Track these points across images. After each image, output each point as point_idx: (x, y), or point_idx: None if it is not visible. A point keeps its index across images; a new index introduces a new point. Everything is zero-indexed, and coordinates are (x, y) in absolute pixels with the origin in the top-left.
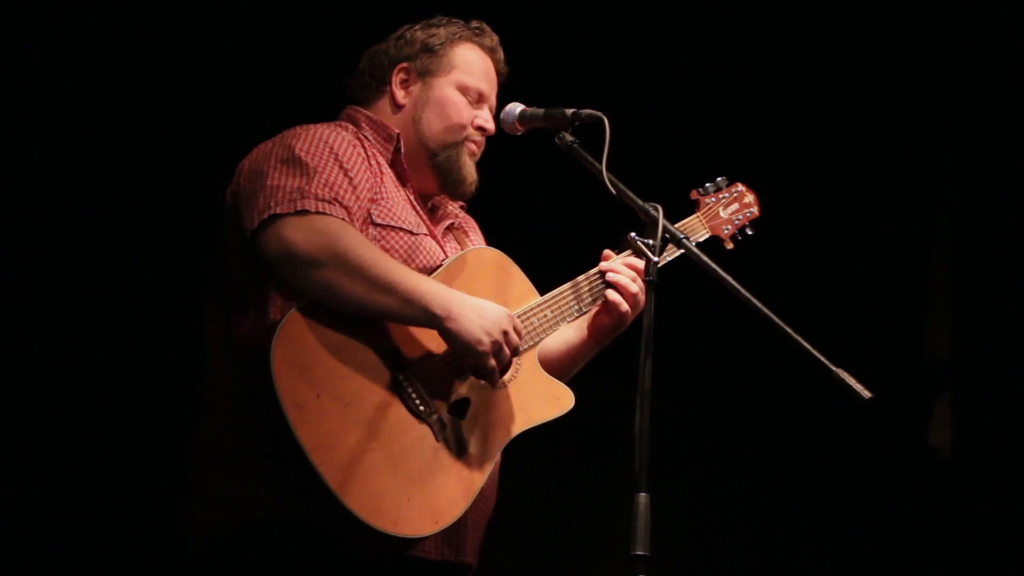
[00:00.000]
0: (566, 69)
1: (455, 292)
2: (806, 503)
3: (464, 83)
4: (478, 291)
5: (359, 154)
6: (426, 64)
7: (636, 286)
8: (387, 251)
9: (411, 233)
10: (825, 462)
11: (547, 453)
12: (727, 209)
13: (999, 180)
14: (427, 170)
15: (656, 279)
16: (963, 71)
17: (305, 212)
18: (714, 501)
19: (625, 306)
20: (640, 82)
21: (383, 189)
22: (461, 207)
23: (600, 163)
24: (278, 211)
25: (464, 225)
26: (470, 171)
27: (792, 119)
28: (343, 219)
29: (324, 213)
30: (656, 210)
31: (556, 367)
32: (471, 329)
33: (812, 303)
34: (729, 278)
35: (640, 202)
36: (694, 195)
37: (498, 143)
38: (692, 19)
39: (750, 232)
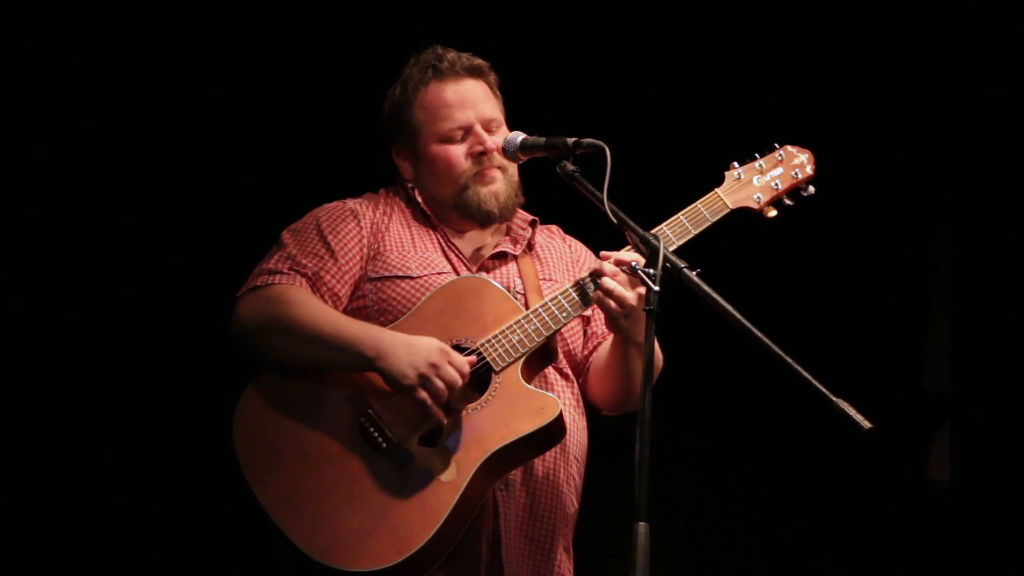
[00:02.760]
0: (564, 89)
1: (388, 332)
2: (805, 533)
3: (439, 131)
4: (450, 322)
5: (352, 220)
6: (405, 137)
7: (620, 277)
8: (383, 301)
9: (410, 278)
10: (825, 492)
11: None
12: (764, 176)
13: (999, 212)
14: (460, 218)
15: (657, 308)
16: (964, 93)
17: (255, 288)
18: (713, 530)
19: (607, 300)
20: (636, 99)
21: (384, 244)
22: (532, 222)
23: (602, 192)
24: (238, 294)
25: (540, 250)
26: (493, 197)
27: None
28: (290, 284)
29: (270, 284)
30: (656, 239)
31: (612, 375)
32: (398, 366)
33: (812, 333)
34: (730, 307)
35: (641, 231)
36: (728, 170)
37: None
38: (689, 26)
39: (807, 193)
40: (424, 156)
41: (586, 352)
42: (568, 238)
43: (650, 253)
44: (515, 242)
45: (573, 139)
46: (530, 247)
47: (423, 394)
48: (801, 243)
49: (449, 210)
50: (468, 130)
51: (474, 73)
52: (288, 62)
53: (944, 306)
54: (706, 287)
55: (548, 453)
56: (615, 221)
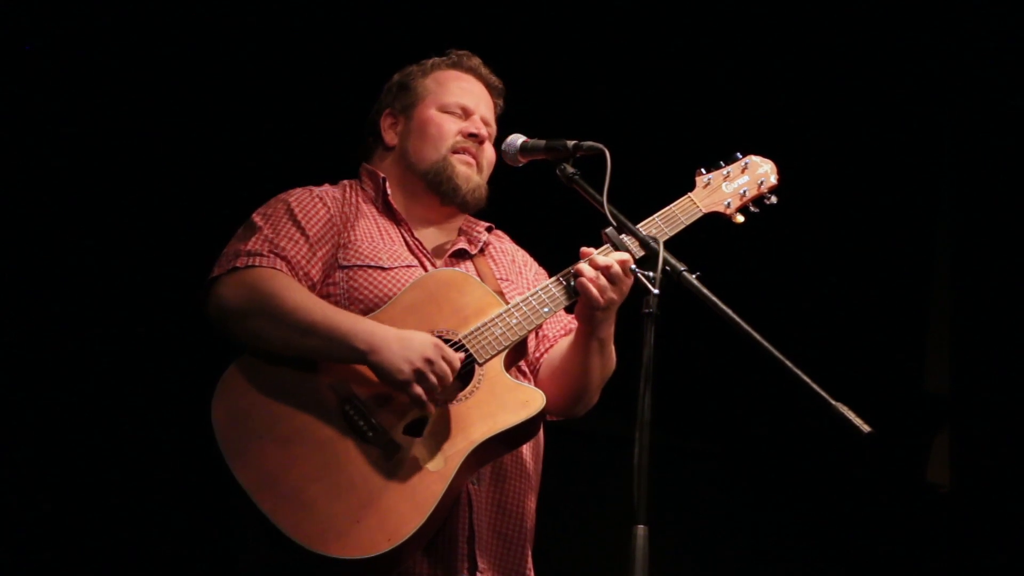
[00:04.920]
0: (562, 88)
1: (380, 326)
2: (804, 536)
3: (443, 102)
4: (431, 314)
5: (321, 207)
6: (405, 100)
7: (601, 280)
8: (353, 289)
9: (381, 269)
10: (824, 495)
11: (545, 484)
12: (733, 183)
13: (999, 216)
14: (426, 193)
15: (656, 311)
16: (965, 92)
17: (235, 269)
18: (712, 534)
19: (595, 292)
20: (635, 111)
21: (354, 233)
22: (489, 228)
23: (601, 195)
24: (214, 274)
25: (493, 251)
26: (465, 178)
27: (792, 148)
28: (274, 268)
29: (253, 266)
30: (656, 242)
31: (568, 373)
32: (392, 360)
33: (813, 337)
34: (729, 310)
35: (642, 234)
36: (697, 175)
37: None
38: (688, 32)
39: (769, 203)
40: (418, 119)
41: (537, 355)
42: (514, 243)
43: (650, 256)
44: (471, 242)
45: (573, 142)
46: (483, 249)
47: (418, 389)
48: (801, 246)
49: (417, 188)
50: (468, 114)
51: (490, 86)
52: (251, 52)
53: (944, 309)
54: (705, 290)
55: (518, 450)
56: (615, 224)
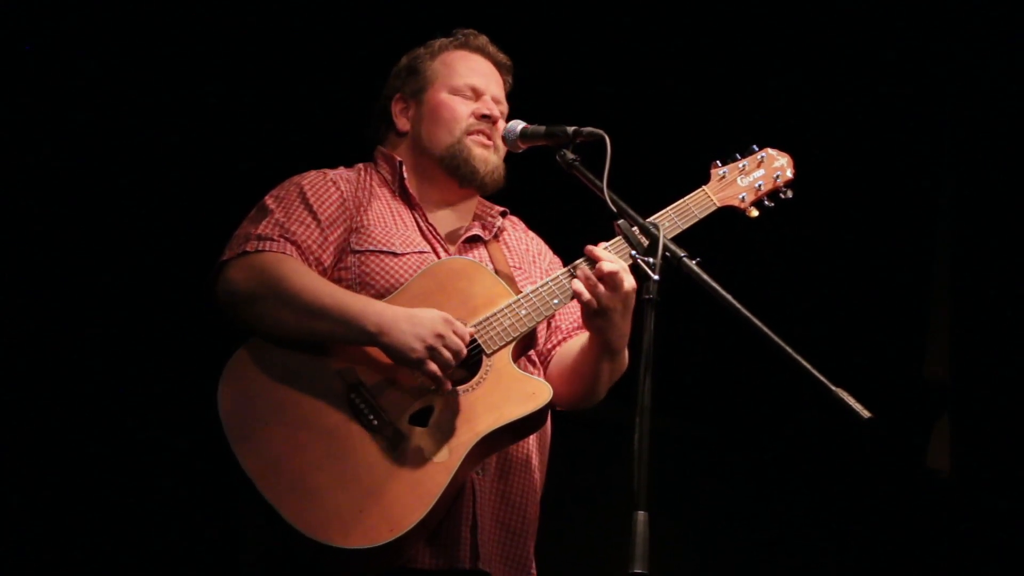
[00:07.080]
0: (563, 75)
1: (388, 307)
2: (804, 522)
3: (453, 84)
4: (440, 303)
5: (334, 190)
6: (415, 85)
7: (599, 287)
8: (365, 275)
9: (393, 254)
10: (824, 481)
11: (547, 470)
12: (748, 176)
13: (999, 204)
14: (443, 177)
15: (656, 296)
16: (965, 98)
17: (246, 253)
18: (713, 520)
19: (587, 295)
20: (648, 107)
21: (367, 217)
22: (503, 213)
23: (601, 181)
24: (224, 257)
25: (507, 237)
26: (483, 161)
27: (794, 137)
28: (283, 253)
29: (262, 251)
30: (656, 228)
31: (578, 373)
32: (404, 339)
33: (813, 323)
34: (729, 296)
35: (641, 220)
36: (712, 168)
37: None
38: (689, 32)
39: (785, 196)
40: (429, 103)
41: (549, 345)
42: (529, 231)
43: (650, 242)
44: (485, 228)
45: (573, 127)
46: (497, 235)
47: (432, 366)
48: (802, 234)
49: (434, 172)
50: (478, 95)
51: (498, 64)
52: (257, 41)
53: (944, 295)
54: (705, 276)
55: (524, 440)
56: (615, 210)
